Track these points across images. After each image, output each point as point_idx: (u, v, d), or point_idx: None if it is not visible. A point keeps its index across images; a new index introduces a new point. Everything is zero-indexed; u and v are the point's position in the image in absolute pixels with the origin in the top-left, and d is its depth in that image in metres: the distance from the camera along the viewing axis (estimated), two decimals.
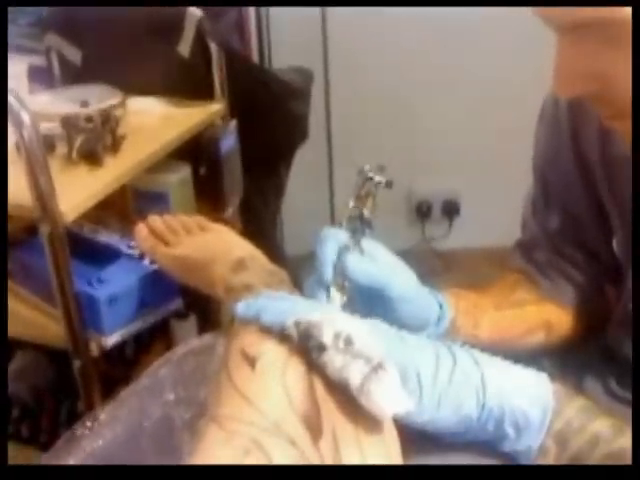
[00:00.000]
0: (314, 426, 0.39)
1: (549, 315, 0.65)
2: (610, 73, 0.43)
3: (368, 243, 0.53)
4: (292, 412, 0.39)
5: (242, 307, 0.45)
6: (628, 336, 0.58)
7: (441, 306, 0.57)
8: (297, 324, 0.42)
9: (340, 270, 0.50)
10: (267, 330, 0.43)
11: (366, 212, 0.52)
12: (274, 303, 0.45)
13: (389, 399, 0.38)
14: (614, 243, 0.61)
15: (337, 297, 0.50)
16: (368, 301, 0.52)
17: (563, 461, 0.45)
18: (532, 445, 0.45)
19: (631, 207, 0.55)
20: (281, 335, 0.43)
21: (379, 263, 0.52)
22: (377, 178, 0.52)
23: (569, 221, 0.64)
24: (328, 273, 0.50)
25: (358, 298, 0.51)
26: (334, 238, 0.51)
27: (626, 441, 0.44)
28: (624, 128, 0.46)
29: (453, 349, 0.46)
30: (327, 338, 0.41)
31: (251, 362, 0.41)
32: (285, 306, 0.44)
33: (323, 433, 0.38)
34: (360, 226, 0.52)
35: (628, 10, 0.40)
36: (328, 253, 0.50)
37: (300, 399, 0.40)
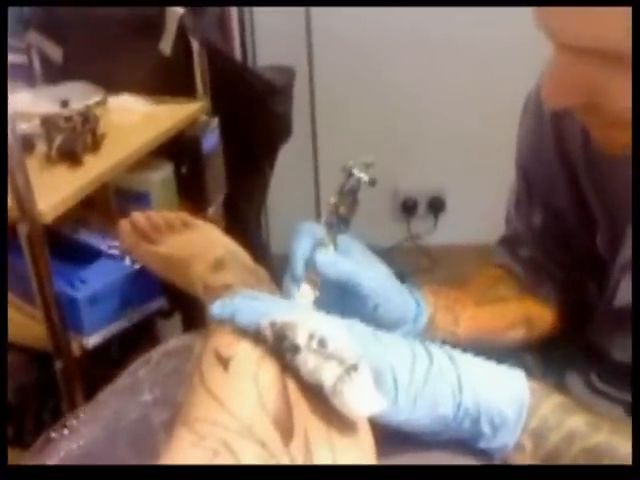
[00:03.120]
0: (286, 428, 0.39)
1: (530, 311, 0.66)
2: (607, 89, 0.42)
3: (344, 239, 0.53)
4: (264, 414, 0.39)
5: (217, 307, 0.45)
6: (610, 332, 0.59)
7: (419, 303, 0.57)
8: (272, 325, 0.42)
9: (312, 264, 0.50)
10: (241, 331, 0.43)
11: (342, 209, 0.52)
12: (249, 303, 0.45)
13: (362, 400, 0.39)
14: (597, 239, 0.61)
15: (308, 292, 0.50)
16: (341, 297, 0.52)
17: (538, 458, 0.45)
18: (508, 443, 0.45)
19: (616, 204, 0.56)
20: (255, 336, 0.43)
21: (351, 259, 0.52)
22: (360, 175, 0.52)
23: (552, 217, 0.65)
24: (299, 267, 0.50)
25: (331, 293, 0.51)
26: (310, 233, 0.51)
27: (602, 437, 0.44)
28: (611, 135, 0.46)
29: (429, 348, 0.46)
30: (301, 339, 0.41)
31: (224, 363, 0.41)
32: (260, 306, 0.44)
33: (295, 435, 0.38)
34: (337, 222, 0.52)
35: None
36: (301, 247, 0.50)
37: (272, 401, 0.40)
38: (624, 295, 0.56)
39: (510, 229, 0.70)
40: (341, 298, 0.52)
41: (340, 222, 0.52)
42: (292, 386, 0.41)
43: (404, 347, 0.45)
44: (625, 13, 0.38)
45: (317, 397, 0.40)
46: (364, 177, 0.52)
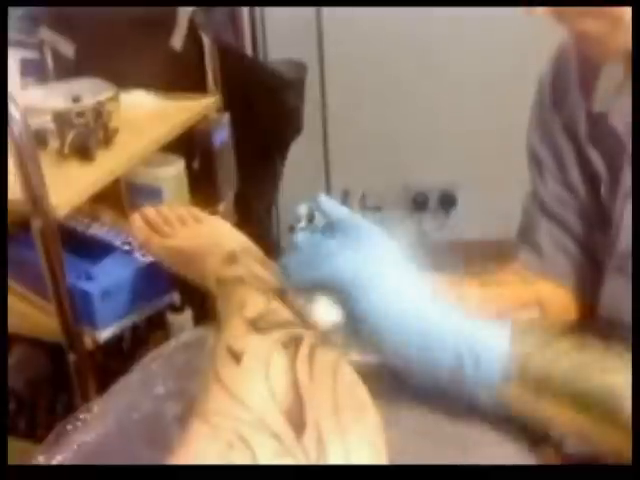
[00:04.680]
0: (297, 420, 0.39)
1: (542, 294, 0.66)
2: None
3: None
4: (276, 406, 0.39)
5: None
6: (615, 287, 0.60)
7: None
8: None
9: (308, 213, 0.53)
10: (251, 324, 0.43)
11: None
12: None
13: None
14: (602, 188, 0.63)
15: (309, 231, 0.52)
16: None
17: (527, 387, 0.44)
18: (492, 374, 0.44)
19: (614, 152, 0.59)
20: (266, 329, 0.43)
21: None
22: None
23: (561, 185, 0.67)
24: (302, 209, 0.53)
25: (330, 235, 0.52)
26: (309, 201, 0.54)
27: (589, 356, 0.44)
28: (588, 28, 0.49)
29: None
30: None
31: (236, 357, 0.41)
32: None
33: (306, 427, 0.39)
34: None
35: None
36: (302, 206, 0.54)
37: (284, 393, 0.40)
38: (626, 237, 0.58)
39: (523, 216, 0.71)
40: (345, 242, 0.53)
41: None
42: (302, 378, 0.41)
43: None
44: None
45: (326, 388, 0.40)
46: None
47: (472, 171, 1.74)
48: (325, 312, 0.47)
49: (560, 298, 0.67)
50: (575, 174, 0.66)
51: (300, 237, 0.51)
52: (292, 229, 0.52)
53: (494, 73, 1.61)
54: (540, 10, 0.48)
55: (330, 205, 0.52)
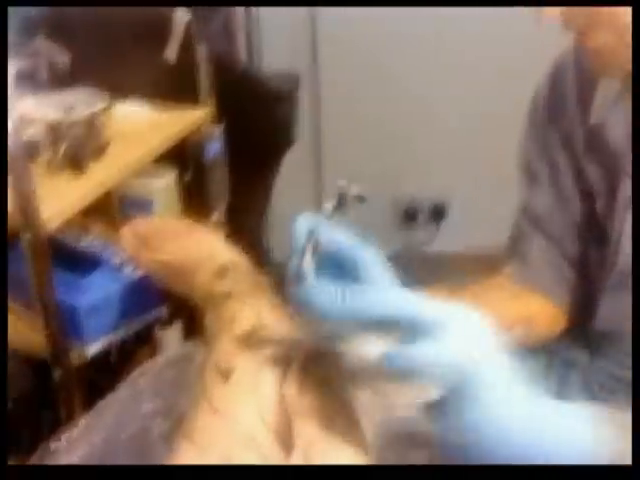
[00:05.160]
0: (286, 438, 0.38)
1: (529, 309, 0.66)
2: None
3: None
4: (264, 424, 0.39)
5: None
6: (612, 302, 0.60)
7: None
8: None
9: (313, 241, 0.48)
10: (241, 340, 0.43)
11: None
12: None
13: None
14: (598, 204, 0.62)
15: (310, 262, 0.49)
16: (339, 273, 0.51)
17: None
18: None
19: (611, 165, 0.58)
20: (255, 346, 0.43)
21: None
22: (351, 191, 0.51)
23: (554, 198, 0.66)
24: (302, 237, 0.48)
25: (329, 269, 0.50)
26: (308, 217, 0.50)
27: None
28: (591, 40, 0.49)
29: None
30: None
31: (225, 375, 0.41)
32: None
33: (295, 446, 0.38)
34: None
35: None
36: (303, 222, 0.49)
37: (273, 412, 0.40)
38: (625, 254, 0.57)
39: (513, 226, 0.71)
40: (339, 274, 0.51)
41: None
42: (292, 396, 0.41)
43: None
44: None
45: (315, 407, 0.40)
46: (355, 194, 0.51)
47: (463, 184, 1.75)
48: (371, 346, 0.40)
49: (548, 312, 0.67)
50: (570, 188, 0.66)
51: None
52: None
53: (486, 86, 1.62)
54: (550, 18, 0.49)
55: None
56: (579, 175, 0.65)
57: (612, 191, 0.61)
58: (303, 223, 0.49)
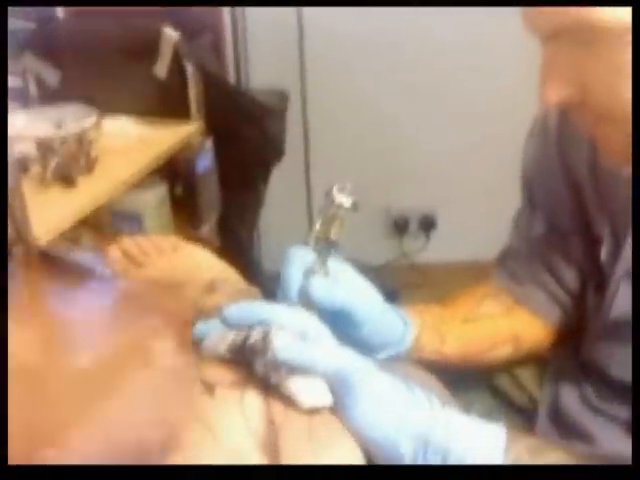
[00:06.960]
0: (272, 451, 0.39)
1: (518, 326, 0.66)
2: (590, 79, 0.46)
3: (334, 264, 0.53)
4: (250, 437, 0.40)
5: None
6: (607, 348, 0.60)
7: (405, 323, 0.57)
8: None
9: (305, 291, 0.50)
10: (224, 357, 0.44)
11: (333, 234, 0.52)
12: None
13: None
14: (602, 252, 0.61)
15: None
16: (333, 321, 0.53)
17: None
18: None
19: (621, 218, 0.57)
20: (239, 358, 0.44)
21: (343, 286, 0.52)
22: (343, 200, 0.51)
23: (553, 229, 0.66)
24: (293, 294, 0.50)
25: (323, 318, 0.52)
26: (300, 258, 0.52)
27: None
28: (603, 135, 0.49)
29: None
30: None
31: (210, 389, 0.42)
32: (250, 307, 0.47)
33: (281, 459, 0.39)
34: (326, 247, 0.53)
35: (602, 12, 0.42)
36: (293, 274, 0.51)
37: (258, 424, 0.41)
38: (622, 304, 0.57)
39: (508, 243, 0.70)
40: (332, 321, 0.52)
41: (329, 246, 0.53)
42: (276, 409, 0.42)
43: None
44: None
45: (301, 419, 0.41)
46: (346, 202, 0.52)
47: (452, 194, 1.77)
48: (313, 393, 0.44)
49: (535, 330, 0.67)
50: (568, 223, 0.64)
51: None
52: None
53: (475, 98, 1.64)
54: (554, 102, 0.48)
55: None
56: (580, 211, 0.63)
57: (616, 240, 0.59)
58: (295, 268, 0.51)
